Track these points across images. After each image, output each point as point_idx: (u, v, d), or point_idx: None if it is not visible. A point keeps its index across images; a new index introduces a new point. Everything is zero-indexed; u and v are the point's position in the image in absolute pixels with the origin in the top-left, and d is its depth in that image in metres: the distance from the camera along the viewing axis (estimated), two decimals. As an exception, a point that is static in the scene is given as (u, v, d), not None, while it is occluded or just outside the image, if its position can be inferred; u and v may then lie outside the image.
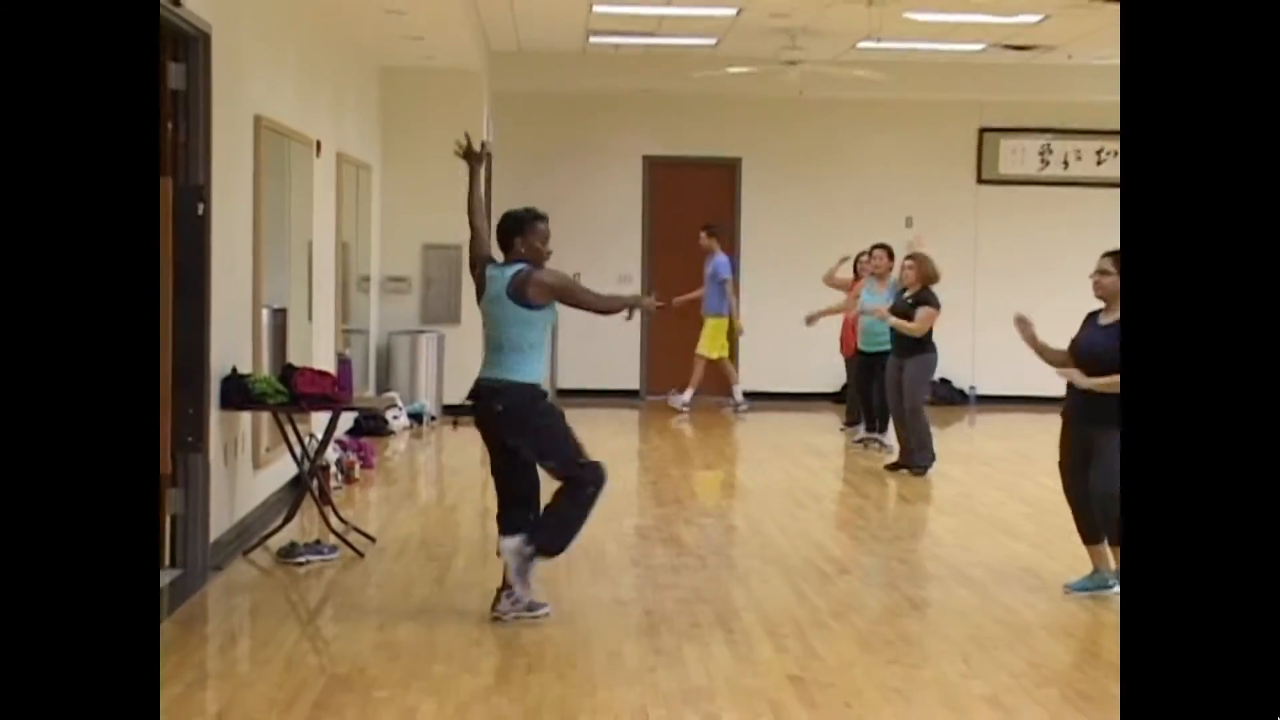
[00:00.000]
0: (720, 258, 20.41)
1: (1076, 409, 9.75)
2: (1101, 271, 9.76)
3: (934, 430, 15.99)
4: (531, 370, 9.03)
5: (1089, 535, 9.90)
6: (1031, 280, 20.05)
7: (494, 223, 9.29)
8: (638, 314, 9.89)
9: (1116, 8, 16.56)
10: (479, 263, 9.24)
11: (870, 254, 17.34)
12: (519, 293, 8.86)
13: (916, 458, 15.47)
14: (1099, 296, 9.79)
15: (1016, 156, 22.59)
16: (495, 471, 9.30)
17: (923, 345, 15.48)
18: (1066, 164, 22.58)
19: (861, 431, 17.50)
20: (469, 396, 9.26)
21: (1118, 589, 9.77)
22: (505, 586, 8.96)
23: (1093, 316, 9.89)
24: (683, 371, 21.21)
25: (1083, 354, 9.63)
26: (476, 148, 9.37)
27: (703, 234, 20.43)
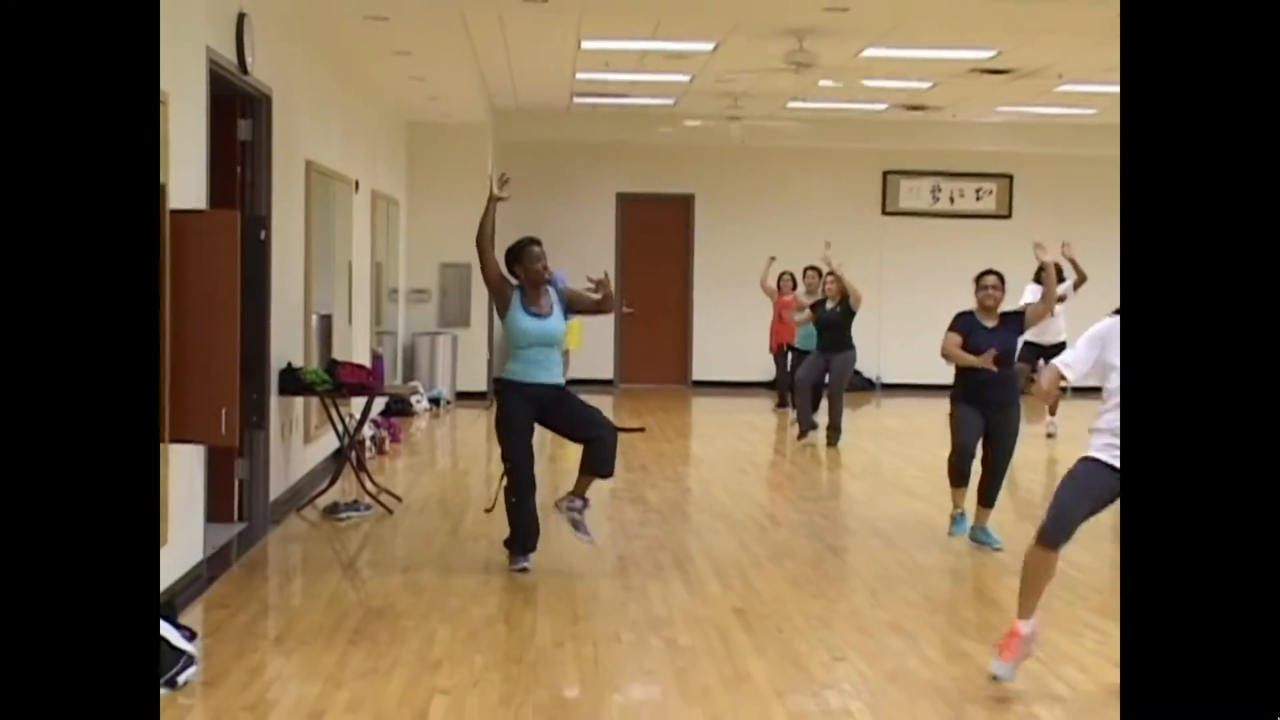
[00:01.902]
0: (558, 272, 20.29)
1: (982, 392, 9.67)
2: (994, 286, 9.80)
3: (847, 411, 16.06)
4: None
5: (961, 481, 9.98)
6: (924, 291, 20.10)
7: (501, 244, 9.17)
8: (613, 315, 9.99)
9: (992, 77, 16.70)
10: (500, 287, 9.05)
11: (804, 274, 17.44)
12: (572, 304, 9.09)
13: (832, 434, 15.65)
14: (988, 306, 9.78)
15: (913, 194, 22.61)
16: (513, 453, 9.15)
17: (848, 344, 15.57)
18: (952, 200, 22.60)
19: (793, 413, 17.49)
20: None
21: (968, 530, 9.99)
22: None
23: (967, 316, 9.81)
24: (646, 366, 21.35)
25: (985, 347, 9.51)
26: (500, 190, 9.09)
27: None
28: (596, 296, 9.20)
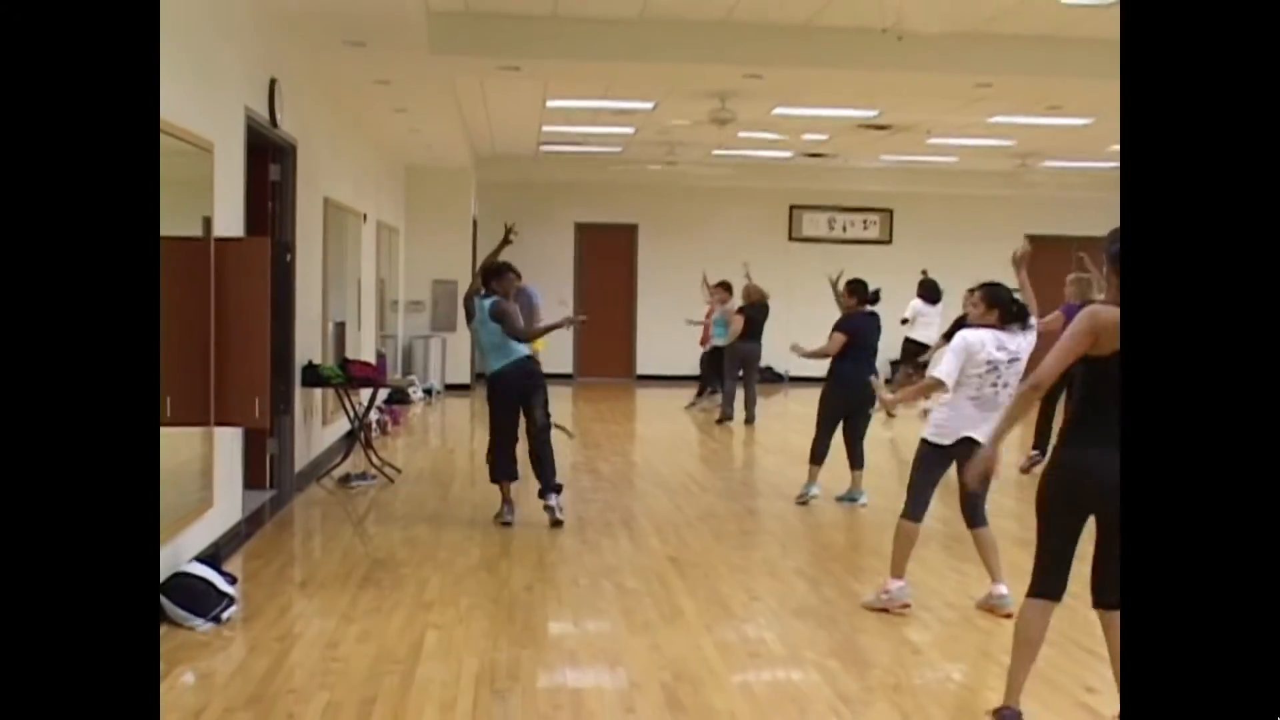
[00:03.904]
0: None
1: (851, 383, 9.80)
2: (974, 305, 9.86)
3: (760, 399, 16.16)
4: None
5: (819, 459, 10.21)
6: (823, 303, 20.06)
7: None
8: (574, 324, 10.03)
9: (875, 132, 16.77)
10: (469, 298, 9.13)
11: (716, 287, 17.50)
12: (494, 316, 8.93)
13: (749, 413, 15.78)
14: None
15: (814, 224, 22.62)
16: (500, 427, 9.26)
17: (758, 339, 15.92)
18: (845, 229, 22.60)
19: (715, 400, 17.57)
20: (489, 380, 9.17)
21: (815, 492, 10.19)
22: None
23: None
24: (599, 363, 21.34)
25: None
26: (512, 235, 9.09)
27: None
28: (556, 322, 9.49)
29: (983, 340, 6.61)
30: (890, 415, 15.78)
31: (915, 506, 6.71)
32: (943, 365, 6.71)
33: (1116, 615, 4.62)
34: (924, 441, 6.71)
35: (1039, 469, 11.25)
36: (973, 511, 6.81)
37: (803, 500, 10.18)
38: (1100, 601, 4.72)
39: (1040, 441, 11.86)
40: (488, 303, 8.97)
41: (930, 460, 6.70)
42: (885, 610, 6.73)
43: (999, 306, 6.66)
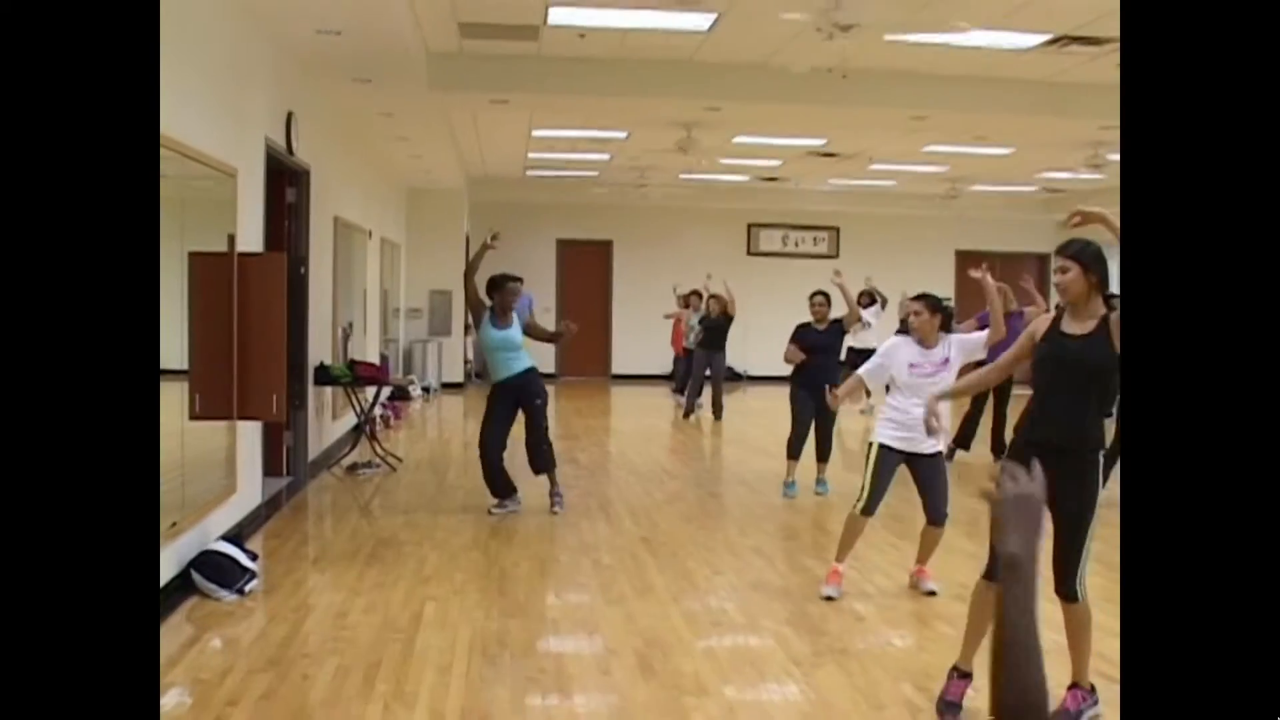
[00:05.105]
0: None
1: (816, 377, 9.48)
2: (820, 303, 9.73)
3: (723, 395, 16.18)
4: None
5: (795, 455, 9.94)
6: (778, 310, 20.01)
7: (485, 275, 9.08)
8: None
9: (824, 158, 16.81)
10: (477, 307, 8.91)
11: (686, 299, 17.50)
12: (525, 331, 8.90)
13: (716, 411, 15.76)
14: (819, 315, 9.70)
15: (769, 240, 22.65)
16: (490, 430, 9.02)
17: (724, 345, 15.79)
18: (797, 245, 22.63)
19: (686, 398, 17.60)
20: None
21: (797, 492, 9.86)
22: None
23: (803, 327, 9.72)
24: (579, 363, 21.32)
25: (819, 344, 9.62)
26: (492, 242, 9.02)
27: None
28: (552, 331, 9.42)
29: (899, 344, 6.61)
30: (862, 412, 15.66)
31: (871, 506, 6.52)
32: (866, 366, 6.77)
33: (1073, 607, 4.64)
34: (880, 446, 6.54)
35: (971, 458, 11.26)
36: (935, 513, 6.68)
37: (787, 495, 9.89)
38: (1060, 591, 4.63)
39: (962, 441, 11.72)
40: (517, 320, 8.86)
41: (886, 463, 6.58)
42: (833, 580, 6.62)
43: (940, 313, 6.64)
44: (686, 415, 16.01)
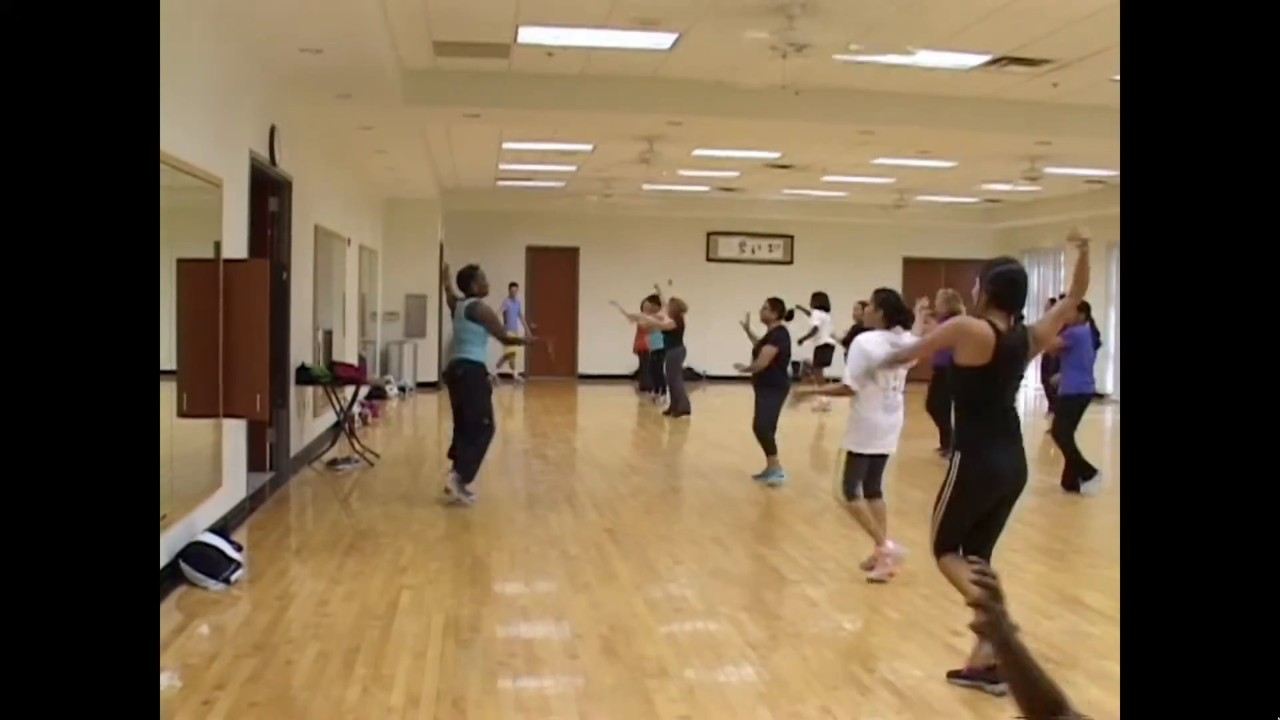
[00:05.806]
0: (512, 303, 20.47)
1: (783, 385, 10.02)
2: (764, 308, 10.10)
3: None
4: (479, 354, 8.89)
5: (769, 449, 10.09)
6: (735, 313, 20.22)
7: (456, 270, 9.18)
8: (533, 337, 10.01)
9: (778, 170, 16.88)
10: (452, 301, 9.03)
11: (648, 301, 17.52)
12: (471, 315, 8.84)
13: (681, 406, 15.78)
14: (767, 319, 10.11)
15: (728, 247, 22.60)
16: (455, 417, 9.08)
17: (680, 342, 15.87)
18: (753, 251, 22.60)
19: (657, 396, 17.58)
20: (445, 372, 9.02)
21: (771, 478, 10.04)
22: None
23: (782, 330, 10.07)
24: (547, 364, 21.29)
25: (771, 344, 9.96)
26: (445, 265, 9.12)
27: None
28: (516, 335, 9.48)
29: (876, 341, 6.68)
30: (824, 410, 15.70)
31: (850, 492, 6.79)
32: (848, 369, 6.82)
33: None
34: (849, 453, 6.79)
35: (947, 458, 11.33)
36: (873, 485, 6.93)
37: (774, 485, 9.98)
38: (970, 551, 4.88)
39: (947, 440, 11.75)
40: (466, 303, 8.89)
41: (857, 465, 6.81)
42: (891, 575, 6.65)
43: (883, 307, 6.77)
44: (681, 414, 15.73)
